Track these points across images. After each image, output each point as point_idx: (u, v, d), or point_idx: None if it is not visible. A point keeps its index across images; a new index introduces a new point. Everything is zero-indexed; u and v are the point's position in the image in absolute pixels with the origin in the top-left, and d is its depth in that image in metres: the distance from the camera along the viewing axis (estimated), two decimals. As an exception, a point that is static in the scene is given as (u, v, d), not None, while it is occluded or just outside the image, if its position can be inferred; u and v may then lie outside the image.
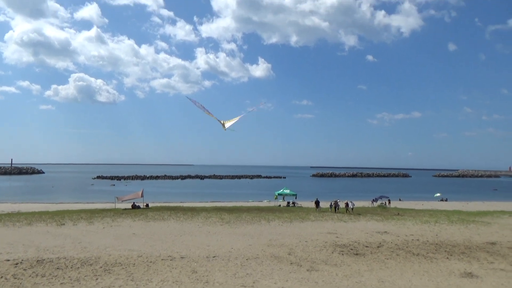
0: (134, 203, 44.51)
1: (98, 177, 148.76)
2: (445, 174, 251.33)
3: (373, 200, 57.19)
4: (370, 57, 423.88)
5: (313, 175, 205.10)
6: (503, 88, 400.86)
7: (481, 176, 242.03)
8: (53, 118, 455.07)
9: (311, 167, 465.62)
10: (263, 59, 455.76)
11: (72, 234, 23.48)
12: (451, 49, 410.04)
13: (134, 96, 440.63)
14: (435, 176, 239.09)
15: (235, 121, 32.18)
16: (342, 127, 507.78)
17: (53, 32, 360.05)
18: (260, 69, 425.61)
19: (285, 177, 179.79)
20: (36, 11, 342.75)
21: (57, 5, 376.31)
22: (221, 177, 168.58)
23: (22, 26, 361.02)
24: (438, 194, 79.23)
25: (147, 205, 44.62)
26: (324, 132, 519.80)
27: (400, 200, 66.80)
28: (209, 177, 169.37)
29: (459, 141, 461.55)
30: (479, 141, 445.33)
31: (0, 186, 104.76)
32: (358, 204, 49.49)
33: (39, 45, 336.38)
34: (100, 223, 28.18)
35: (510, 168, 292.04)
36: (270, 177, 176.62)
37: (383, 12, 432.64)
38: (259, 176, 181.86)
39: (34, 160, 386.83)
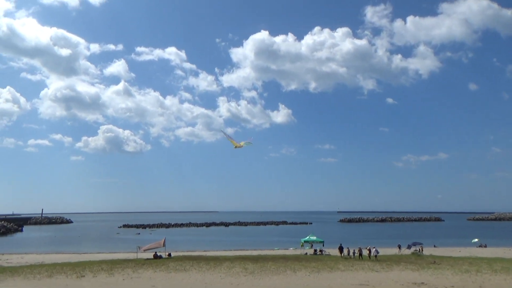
0: (156, 252, 43.54)
1: (124, 226, 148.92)
2: (480, 217, 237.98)
3: (407, 246, 53.90)
4: (390, 100, 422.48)
5: (341, 221, 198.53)
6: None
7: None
8: (82, 168, 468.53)
9: (338, 211, 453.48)
10: (283, 105, 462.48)
11: (91, 287, 22.73)
12: (472, 89, 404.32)
13: (160, 145, 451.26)
14: (470, 219, 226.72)
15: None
16: (367, 170, 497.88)
17: (84, 88, 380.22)
18: (281, 115, 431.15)
19: (311, 223, 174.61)
20: (69, 70, 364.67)
21: (88, 63, 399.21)
22: (245, 224, 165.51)
23: (56, 83, 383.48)
24: (476, 240, 74.15)
25: (169, 255, 43.52)
26: (349, 176, 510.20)
27: (435, 246, 62.78)
28: (234, 224, 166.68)
29: (491, 182, 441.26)
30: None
31: (30, 236, 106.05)
32: (390, 251, 46.70)
33: (71, 100, 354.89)
34: (121, 275, 27.35)
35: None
36: (296, 223, 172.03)
37: (399, 56, 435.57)
38: (284, 222, 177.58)
39: (63, 210, 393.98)
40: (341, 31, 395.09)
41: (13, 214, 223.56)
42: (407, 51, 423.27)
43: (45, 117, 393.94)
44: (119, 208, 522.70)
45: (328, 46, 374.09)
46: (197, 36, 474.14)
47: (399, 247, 53.08)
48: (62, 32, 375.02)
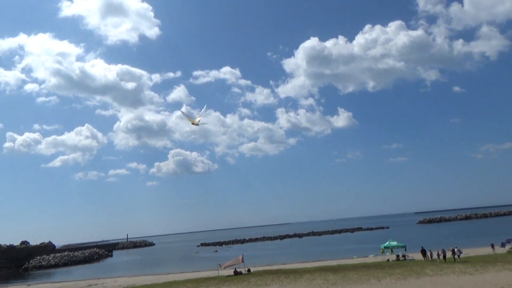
0: (235, 269, 44.54)
1: (202, 245, 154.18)
2: None
3: (501, 244, 49.38)
4: (456, 88, 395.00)
5: (420, 222, 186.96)
6: None
7: None
8: (158, 192, 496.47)
9: (416, 213, 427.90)
10: (342, 109, 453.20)
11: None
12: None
13: (226, 163, 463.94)
14: None
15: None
16: (442, 166, 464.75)
17: (151, 117, 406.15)
18: (341, 119, 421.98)
19: (388, 227, 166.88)
20: (136, 101, 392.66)
21: (152, 93, 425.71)
22: (319, 234, 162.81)
23: (126, 115, 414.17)
24: None
25: (248, 270, 44.29)
26: (422, 174, 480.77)
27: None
28: (307, 234, 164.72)
29: None
30: None
31: (119, 261, 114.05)
32: (482, 251, 43.14)
33: (141, 130, 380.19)
34: (206, 293, 28.44)
35: None
36: (372, 229, 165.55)
37: (460, 41, 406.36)
38: (359, 229, 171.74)
39: (145, 233, 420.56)
40: (394, 25, 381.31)
41: (102, 241, 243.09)
42: (468, 34, 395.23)
43: (120, 148, 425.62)
44: (194, 227, 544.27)
45: (381, 43, 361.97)
46: (248, 52, 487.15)
47: (492, 246, 48.76)
48: (126, 67, 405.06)
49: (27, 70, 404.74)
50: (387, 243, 53.42)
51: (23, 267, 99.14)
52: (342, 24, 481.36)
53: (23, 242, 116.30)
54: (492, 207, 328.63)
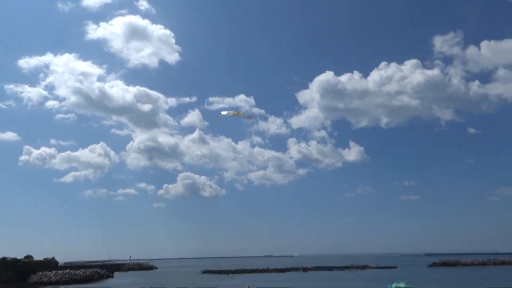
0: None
1: (205, 272, 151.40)
2: None
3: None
4: (472, 130, 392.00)
5: (434, 264, 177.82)
6: None
7: None
8: (164, 215, 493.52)
9: (425, 254, 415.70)
10: (354, 143, 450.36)
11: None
12: None
13: (234, 189, 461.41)
14: None
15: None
16: (454, 208, 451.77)
17: (164, 139, 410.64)
18: (352, 153, 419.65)
19: (395, 267, 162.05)
20: (151, 123, 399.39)
21: (167, 116, 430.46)
22: (324, 269, 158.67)
23: (140, 136, 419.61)
24: None
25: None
26: (434, 214, 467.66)
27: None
28: (312, 269, 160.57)
29: None
30: None
31: (120, 283, 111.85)
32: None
33: (153, 151, 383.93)
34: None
35: None
36: (380, 267, 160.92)
37: (477, 82, 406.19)
38: (365, 267, 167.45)
39: (149, 256, 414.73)
40: (409, 63, 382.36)
41: (109, 261, 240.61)
42: (484, 77, 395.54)
43: (131, 168, 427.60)
44: (201, 253, 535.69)
45: (396, 80, 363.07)
46: (263, 82, 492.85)
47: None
48: (144, 89, 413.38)
49: (50, 88, 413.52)
50: (395, 284, 51.72)
51: (23, 282, 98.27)
52: (357, 60, 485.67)
53: (27, 256, 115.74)
54: (509, 254, 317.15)
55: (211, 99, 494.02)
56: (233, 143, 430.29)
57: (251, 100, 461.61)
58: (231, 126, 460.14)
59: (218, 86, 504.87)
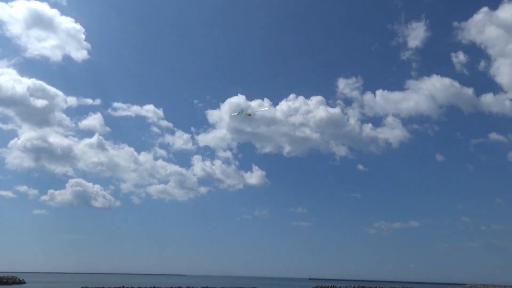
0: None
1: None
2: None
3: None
4: (360, 167, 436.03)
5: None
6: (496, 197, 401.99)
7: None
8: (44, 223, 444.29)
9: (310, 279, 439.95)
10: (257, 167, 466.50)
11: None
12: (440, 160, 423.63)
13: (130, 202, 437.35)
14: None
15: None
16: (339, 236, 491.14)
17: (56, 140, 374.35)
18: (254, 176, 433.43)
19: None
20: (43, 121, 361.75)
21: (64, 115, 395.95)
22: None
23: (27, 133, 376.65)
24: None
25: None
26: (321, 241, 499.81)
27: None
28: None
29: (462, 252, 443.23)
30: (482, 252, 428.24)
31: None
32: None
33: (42, 151, 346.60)
34: None
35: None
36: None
37: (370, 125, 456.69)
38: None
39: (17, 268, 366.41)
40: (315, 99, 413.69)
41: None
42: (376, 121, 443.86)
43: (11, 167, 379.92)
44: (80, 268, 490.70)
45: (302, 113, 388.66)
46: (175, 96, 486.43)
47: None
48: (40, 83, 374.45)
49: None
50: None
51: None
52: (269, 88, 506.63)
53: None
54: (380, 282, 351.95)
55: (116, 104, 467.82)
56: (135, 153, 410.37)
57: (160, 112, 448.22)
58: (135, 135, 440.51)
59: (126, 92, 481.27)
